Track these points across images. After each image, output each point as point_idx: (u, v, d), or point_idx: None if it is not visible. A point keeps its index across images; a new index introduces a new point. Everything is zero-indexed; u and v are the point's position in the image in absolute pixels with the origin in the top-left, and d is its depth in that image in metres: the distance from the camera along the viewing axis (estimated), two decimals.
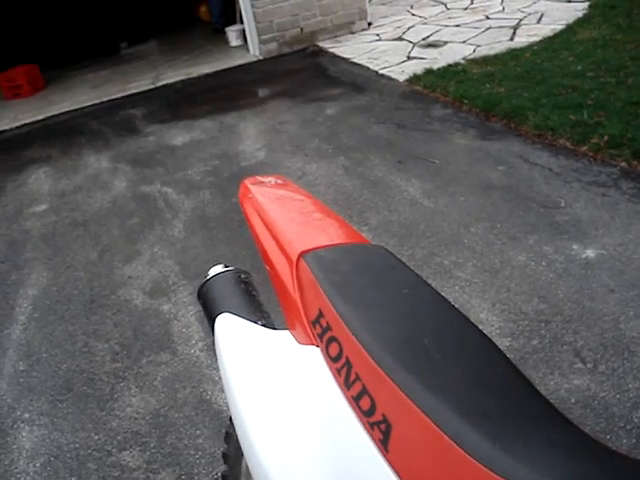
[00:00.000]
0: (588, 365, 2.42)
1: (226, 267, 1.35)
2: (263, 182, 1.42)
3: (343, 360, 0.87)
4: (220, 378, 2.65)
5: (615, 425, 2.15)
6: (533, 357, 2.50)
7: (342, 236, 1.19)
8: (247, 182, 1.41)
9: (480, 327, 0.86)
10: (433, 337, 0.83)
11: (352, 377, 0.84)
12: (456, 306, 0.90)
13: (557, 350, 2.52)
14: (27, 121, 7.12)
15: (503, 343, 2.58)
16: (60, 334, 3.25)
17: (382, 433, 0.76)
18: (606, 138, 3.89)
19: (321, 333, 0.94)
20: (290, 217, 1.23)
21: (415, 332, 0.85)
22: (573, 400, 2.29)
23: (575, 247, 3.10)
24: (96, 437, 2.57)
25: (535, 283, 2.91)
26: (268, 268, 1.17)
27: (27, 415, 2.76)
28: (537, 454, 0.63)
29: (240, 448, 1.21)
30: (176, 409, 2.62)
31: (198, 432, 2.49)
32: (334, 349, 0.90)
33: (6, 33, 9.35)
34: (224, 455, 1.56)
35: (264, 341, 1.10)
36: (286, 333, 1.07)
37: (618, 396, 2.26)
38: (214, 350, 1.17)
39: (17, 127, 7.03)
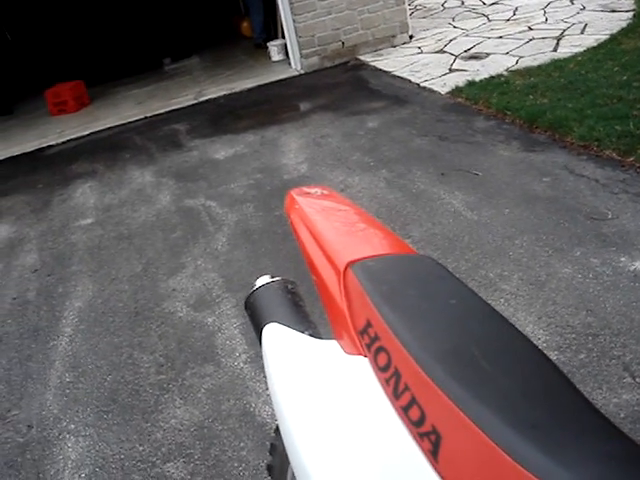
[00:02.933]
0: (637, 380, 2.37)
1: (273, 277, 1.36)
2: (309, 193, 1.42)
3: (392, 370, 0.86)
4: (264, 390, 2.66)
5: None
6: (581, 371, 2.46)
7: (389, 246, 1.19)
8: (293, 193, 1.42)
9: (531, 341, 0.85)
10: (482, 347, 0.82)
11: (401, 387, 0.83)
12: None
13: (605, 364, 2.47)
14: (73, 136, 7.24)
15: (550, 357, 2.53)
16: (105, 346, 3.28)
17: (432, 444, 0.75)
18: None
19: (369, 343, 0.94)
20: (336, 227, 1.23)
21: (464, 342, 0.84)
22: (622, 415, 2.24)
23: (623, 259, 3.04)
24: (141, 448, 2.59)
25: (582, 296, 2.86)
26: (315, 278, 1.17)
27: (73, 426, 2.79)
28: (589, 465, 0.62)
29: (285, 459, 1.21)
30: (220, 421, 2.63)
31: (242, 444, 2.49)
32: (382, 359, 0.89)
33: (53, 50, 9.55)
34: (269, 467, 1.56)
35: (311, 351, 1.09)
36: (333, 343, 1.06)
37: None
38: (258, 362, 1.17)
39: (63, 142, 7.16)
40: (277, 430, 1.34)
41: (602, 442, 0.67)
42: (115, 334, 3.36)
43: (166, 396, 2.84)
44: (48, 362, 3.27)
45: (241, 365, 2.92)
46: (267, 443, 1.76)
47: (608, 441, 0.68)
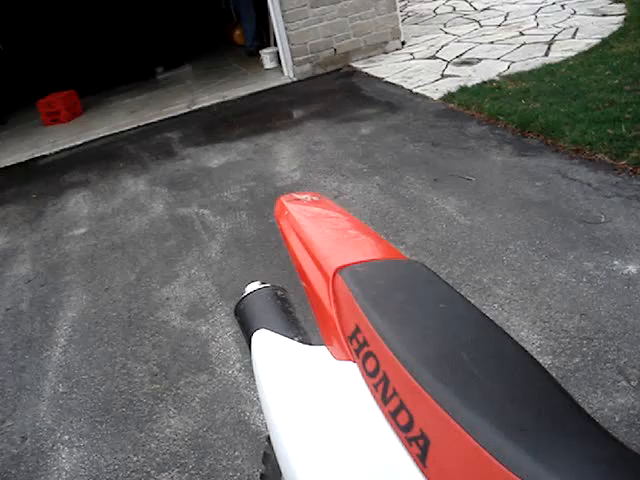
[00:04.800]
0: (632, 383, 2.37)
1: (263, 284, 1.35)
2: (299, 199, 1.42)
3: (380, 375, 0.86)
4: (258, 399, 2.65)
5: None
6: (575, 375, 2.46)
7: (378, 252, 1.19)
8: (283, 199, 1.41)
9: (520, 344, 0.84)
10: (471, 352, 0.82)
11: (389, 392, 0.83)
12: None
13: (600, 368, 2.47)
14: (66, 146, 7.23)
15: (544, 361, 2.53)
16: (99, 356, 3.27)
17: (420, 448, 0.75)
18: None
19: (358, 348, 0.93)
20: (326, 233, 1.22)
21: (453, 347, 0.84)
22: (617, 419, 2.24)
23: (616, 263, 3.04)
24: (135, 458, 2.57)
25: (576, 300, 2.86)
26: (304, 284, 1.17)
27: (67, 437, 2.78)
28: (578, 469, 0.62)
29: (278, 468, 1.21)
30: (214, 430, 2.62)
31: (237, 453, 2.48)
32: (371, 364, 0.89)
33: (45, 60, 9.55)
34: (262, 476, 1.55)
35: (301, 357, 1.09)
36: (323, 349, 1.06)
37: None
38: (252, 370, 1.17)
39: (56, 152, 7.15)
40: (269, 438, 1.33)
41: (591, 445, 0.67)
42: (109, 344, 3.35)
43: (160, 405, 2.83)
44: (42, 373, 3.25)
45: (235, 374, 2.91)
46: (261, 452, 1.75)
47: (597, 444, 0.67)
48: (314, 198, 1.43)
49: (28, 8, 9.90)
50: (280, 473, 1.20)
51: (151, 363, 3.13)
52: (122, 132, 7.33)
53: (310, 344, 1.12)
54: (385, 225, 3.82)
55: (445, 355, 0.82)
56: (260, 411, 2.63)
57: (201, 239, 4.23)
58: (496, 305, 2.94)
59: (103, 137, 7.30)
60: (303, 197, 1.43)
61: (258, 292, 1.32)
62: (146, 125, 7.39)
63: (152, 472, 2.49)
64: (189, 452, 2.54)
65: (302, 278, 1.17)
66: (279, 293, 1.32)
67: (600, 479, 0.61)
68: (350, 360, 0.96)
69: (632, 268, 2.98)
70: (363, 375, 0.91)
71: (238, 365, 2.96)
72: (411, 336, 0.87)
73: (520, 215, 3.63)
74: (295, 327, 1.20)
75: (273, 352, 1.13)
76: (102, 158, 6.56)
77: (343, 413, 0.92)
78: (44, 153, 7.18)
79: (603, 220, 3.40)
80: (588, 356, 2.53)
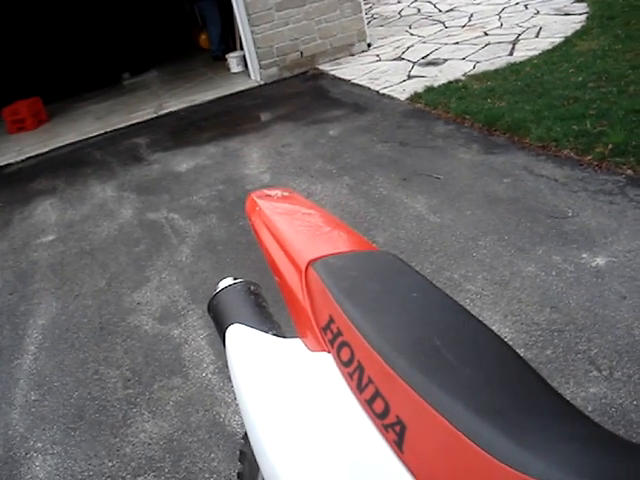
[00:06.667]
0: (604, 373, 2.40)
1: (235, 279, 1.35)
2: (270, 195, 1.42)
3: (355, 364, 0.86)
4: (233, 400, 2.64)
5: (634, 431, 2.13)
6: (548, 367, 2.48)
7: (350, 244, 1.19)
8: (254, 195, 1.42)
9: (492, 330, 0.85)
10: (444, 338, 0.82)
11: (364, 380, 0.83)
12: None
13: (571, 359, 2.50)
14: (32, 154, 7.16)
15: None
16: (71, 362, 3.24)
17: (396, 434, 0.75)
18: (610, 146, 3.89)
19: (332, 339, 0.94)
20: (298, 227, 1.22)
21: (426, 333, 0.84)
22: (590, 408, 2.26)
23: (585, 256, 3.08)
24: (110, 464, 2.55)
25: (546, 293, 2.89)
26: (277, 279, 1.17)
27: (40, 444, 2.74)
28: (553, 448, 0.62)
29: (255, 465, 1.20)
30: (190, 433, 2.61)
31: (212, 455, 2.47)
32: (345, 354, 0.89)
33: (8, 67, 9.43)
34: (239, 475, 1.55)
35: (275, 350, 1.09)
36: (297, 341, 1.06)
37: (635, 402, 2.24)
38: (226, 372, 1.16)
39: (22, 160, 7.07)
40: (245, 436, 1.33)
41: (565, 424, 0.68)
42: (80, 350, 3.32)
43: (134, 410, 2.81)
44: (13, 381, 3.21)
45: (209, 376, 2.90)
46: (237, 452, 1.74)
47: (570, 423, 0.69)
48: (285, 194, 1.44)
49: None
50: (258, 469, 1.20)
51: (124, 368, 3.10)
52: (89, 138, 7.27)
53: (284, 337, 1.13)
54: (355, 225, 3.82)
55: (419, 342, 0.82)
56: (235, 412, 2.62)
57: (171, 243, 4.21)
58: (468, 300, 2.96)
59: (70, 144, 7.23)
60: (274, 193, 1.43)
61: (231, 287, 1.32)
62: (113, 131, 7.34)
63: (127, 477, 2.47)
64: (165, 455, 2.53)
65: (275, 272, 1.18)
66: (252, 288, 1.32)
67: (574, 456, 0.62)
68: (325, 351, 0.96)
69: (600, 260, 3.02)
70: (338, 365, 0.91)
71: (212, 367, 2.94)
72: (385, 324, 0.87)
73: (489, 212, 3.66)
74: (269, 321, 1.20)
75: (248, 346, 1.12)
76: (69, 165, 6.49)
77: (319, 404, 0.92)
78: (10, 161, 7.10)
79: (570, 214, 3.44)
80: (559, 348, 2.56)
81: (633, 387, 2.30)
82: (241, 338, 1.15)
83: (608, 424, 2.17)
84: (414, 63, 6.95)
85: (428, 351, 0.80)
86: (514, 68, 5.88)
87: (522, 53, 6.32)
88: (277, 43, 7.67)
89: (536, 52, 6.22)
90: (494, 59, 6.34)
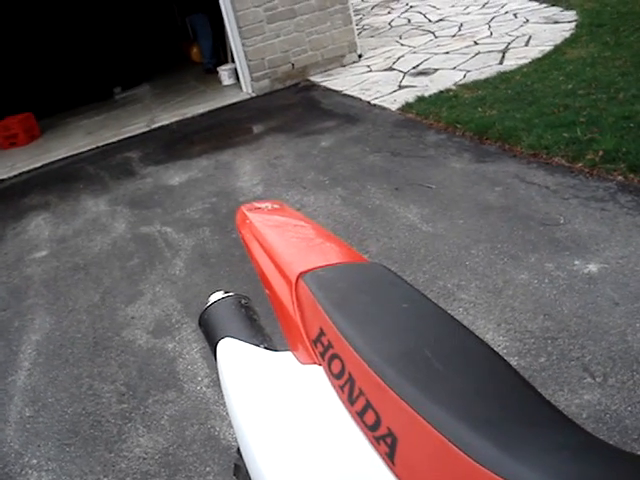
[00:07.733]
0: (597, 379, 2.40)
1: (226, 293, 1.35)
2: (260, 208, 1.43)
3: (346, 376, 0.86)
4: (227, 414, 2.63)
5: (629, 437, 2.13)
6: (542, 374, 2.48)
7: (340, 256, 1.19)
8: (244, 208, 1.42)
9: (483, 340, 0.85)
10: (435, 349, 0.83)
11: (355, 392, 0.83)
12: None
13: (565, 366, 2.50)
14: (25, 169, 7.14)
15: (510, 362, 2.55)
16: (65, 378, 3.23)
17: (388, 446, 0.75)
18: (601, 153, 3.90)
19: (323, 351, 0.94)
20: (288, 240, 1.23)
21: (416, 344, 0.84)
22: (585, 415, 2.26)
23: (577, 262, 3.09)
24: (105, 479, 2.54)
25: (539, 301, 2.90)
26: (267, 291, 1.17)
27: (35, 461, 2.73)
28: (544, 457, 0.62)
29: (249, 478, 1.20)
30: (185, 447, 2.60)
31: (208, 469, 2.46)
32: (336, 366, 0.89)
33: (0, 83, 9.42)
34: None
35: (266, 363, 1.09)
36: (288, 354, 1.06)
37: (630, 408, 2.24)
38: (220, 384, 1.16)
39: (15, 176, 7.06)
40: (239, 450, 1.33)
41: (556, 433, 0.68)
42: (74, 365, 3.31)
43: (129, 425, 2.80)
44: (7, 397, 3.20)
45: (204, 390, 2.89)
46: (232, 466, 1.74)
47: (561, 432, 0.69)
48: (275, 206, 1.44)
49: None
50: None
51: (118, 383, 3.09)
52: (81, 153, 7.27)
53: (276, 350, 1.13)
54: (348, 235, 3.83)
55: (409, 353, 0.83)
56: (230, 426, 2.61)
57: (165, 257, 4.21)
58: (461, 309, 2.96)
59: (62, 159, 7.23)
60: (264, 205, 1.43)
61: (222, 301, 1.32)
62: (105, 145, 7.33)
63: None
64: (160, 470, 2.52)
65: (265, 285, 1.18)
66: (243, 301, 1.32)
67: (565, 466, 0.62)
68: (316, 363, 0.96)
69: (592, 267, 3.02)
70: (329, 377, 0.91)
71: (206, 381, 2.94)
72: (375, 336, 0.87)
73: (481, 220, 3.67)
74: (260, 334, 1.20)
75: (239, 360, 1.12)
76: (62, 180, 6.49)
77: (311, 417, 0.92)
78: (2, 177, 7.08)
79: (562, 222, 3.45)
80: (553, 355, 2.56)
81: (627, 393, 2.30)
82: (232, 352, 1.14)
83: (603, 431, 2.17)
84: (405, 73, 6.96)
85: (419, 362, 0.80)
86: (504, 77, 5.90)
87: (512, 62, 6.35)
88: (268, 55, 7.69)
89: (526, 60, 6.25)
90: (484, 68, 6.36)
